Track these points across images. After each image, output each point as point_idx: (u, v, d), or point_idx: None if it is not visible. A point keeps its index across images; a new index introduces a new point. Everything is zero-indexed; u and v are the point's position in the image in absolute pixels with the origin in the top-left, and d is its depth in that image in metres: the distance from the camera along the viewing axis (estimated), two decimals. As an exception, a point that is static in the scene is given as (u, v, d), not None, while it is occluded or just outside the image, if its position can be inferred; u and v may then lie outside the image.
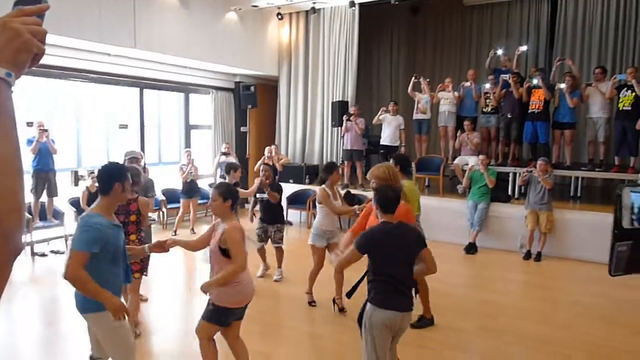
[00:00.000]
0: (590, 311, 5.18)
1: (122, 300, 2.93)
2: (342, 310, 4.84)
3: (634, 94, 7.27)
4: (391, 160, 4.54)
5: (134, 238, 4.08)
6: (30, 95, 8.02)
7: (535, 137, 8.13)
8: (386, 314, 2.80)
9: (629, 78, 7.35)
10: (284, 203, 9.22)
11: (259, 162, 8.81)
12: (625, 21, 9.67)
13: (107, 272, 2.68)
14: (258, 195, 5.95)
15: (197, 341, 3.25)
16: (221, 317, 3.15)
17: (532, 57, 10.70)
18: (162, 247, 3.00)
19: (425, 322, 4.60)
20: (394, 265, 2.84)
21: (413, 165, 8.97)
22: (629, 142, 7.48)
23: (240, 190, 5.83)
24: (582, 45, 10.13)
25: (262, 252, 6.02)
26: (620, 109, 7.47)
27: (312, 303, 5.08)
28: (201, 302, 3.58)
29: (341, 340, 4.31)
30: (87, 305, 2.70)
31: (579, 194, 8.48)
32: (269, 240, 5.92)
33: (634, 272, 0.69)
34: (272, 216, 5.93)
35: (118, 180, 2.75)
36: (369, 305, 2.88)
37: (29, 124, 7.40)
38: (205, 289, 3.09)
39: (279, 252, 5.96)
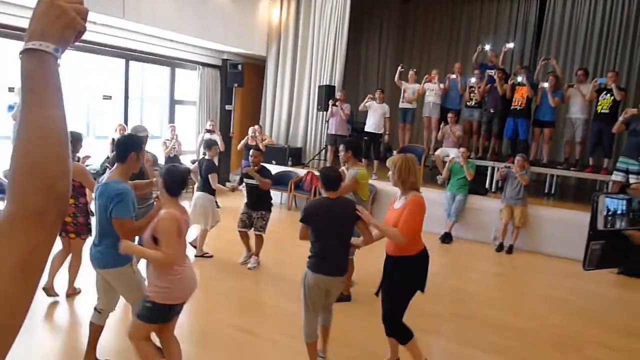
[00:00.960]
0: (558, 304, 5.42)
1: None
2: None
3: (612, 97, 7.51)
4: (341, 146, 4.72)
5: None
6: (12, 61, 7.83)
7: (516, 134, 8.33)
8: (316, 277, 3.21)
9: (609, 82, 7.58)
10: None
11: (242, 142, 8.83)
12: (610, 26, 9.94)
13: None
14: (246, 180, 5.73)
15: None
16: (162, 315, 2.88)
17: (518, 54, 10.90)
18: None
19: (341, 297, 4.58)
20: (328, 235, 3.22)
21: (395, 153, 9.13)
22: (604, 144, 7.73)
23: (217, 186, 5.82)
24: (567, 46, 10.37)
25: (244, 237, 5.85)
26: (599, 111, 7.71)
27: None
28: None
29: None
30: (108, 261, 3.05)
31: (553, 191, 8.76)
32: (252, 226, 5.76)
33: (604, 267, 0.79)
34: (257, 202, 5.75)
35: (134, 150, 3.05)
36: (306, 268, 3.30)
37: (10, 89, 7.27)
38: (122, 250, 2.82)
39: (259, 240, 5.76)
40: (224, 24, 9.53)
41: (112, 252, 2.96)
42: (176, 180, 2.91)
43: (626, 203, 0.79)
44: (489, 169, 8.50)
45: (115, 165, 3.11)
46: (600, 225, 0.78)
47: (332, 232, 3.24)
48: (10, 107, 7.03)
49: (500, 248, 7.40)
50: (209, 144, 6.09)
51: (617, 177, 7.03)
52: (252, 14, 10.32)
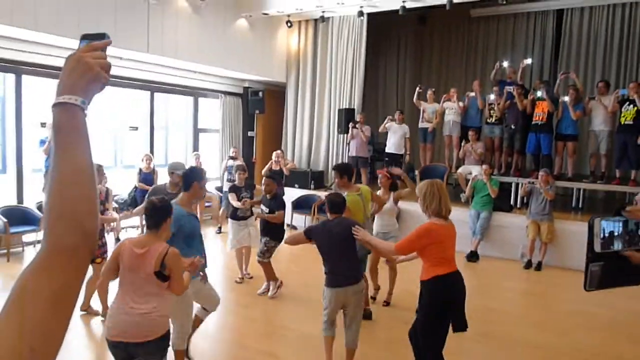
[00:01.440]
0: (589, 320, 5.29)
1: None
2: None
3: (635, 108, 7.40)
4: (334, 173, 4.90)
5: None
6: (44, 96, 8.21)
7: (538, 149, 8.26)
8: (330, 291, 3.61)
9: (631, 93, 7.48)
10: (288, 208, 9.41)
11: (266, 167, 8.97)
12: (630, 36, 9.83)
13: (180, 250, 3.02)
14: (262, 207, 5.65)
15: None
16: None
17: (537, 69, 10.85)
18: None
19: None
20: (331, 253, 3.64)
21: (417, 173, 9.15)
22: (630, 156, 7.60)
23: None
24: (587, 59, 10.29)
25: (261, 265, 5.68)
26: (622, 123, 7.60)
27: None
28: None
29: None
30: None
31: (580, 205, 8.59)
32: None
33: (605, 287, 0.81)
34: (265, 229, 5.58)
35: (196, 180, 3.60)
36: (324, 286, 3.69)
37: (43, 125, 7.58)
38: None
39: (262, 266, 5.56)
40: (244, 52, 9.80)
41: None
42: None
43: (622, 225, 0.81)
44: (513, 185, 8.42)
45: (181, 193, 3.65)
46: (597, 248, 0.80)
47: (333, 249, 3.65)
48: (42, 142, 7.33)
49: (528, 265, 7.27)
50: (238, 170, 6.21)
51: (645, 189, 6.88)
52: (270, 41, 10.59)
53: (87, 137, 0.85)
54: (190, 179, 3.61)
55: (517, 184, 8.33)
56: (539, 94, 8.11)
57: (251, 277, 6.21)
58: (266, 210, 5.53)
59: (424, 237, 3.18)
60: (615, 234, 0.93)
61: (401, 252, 3.40)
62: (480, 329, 4.97)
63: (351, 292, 3.60)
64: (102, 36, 0.92)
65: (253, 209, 6.02)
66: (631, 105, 7.49)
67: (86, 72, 0.86)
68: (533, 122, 8.19)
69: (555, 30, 10.76)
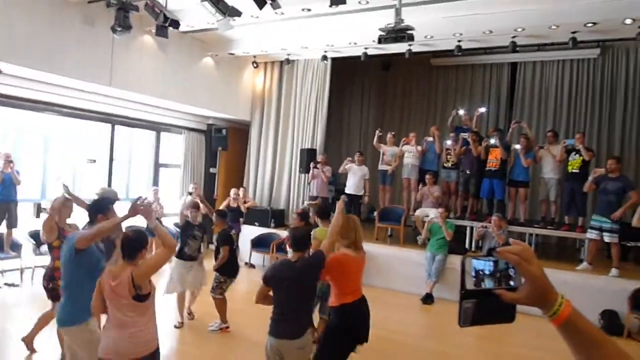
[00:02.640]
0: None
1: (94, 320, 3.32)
2: None
3: (581, 158, 7.78)
4: (310, 211, 5.15)
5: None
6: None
7: (492, 193, 8.52)
8: (273, 341, 3.23)
9: (577, 143, 7.88)
10: (247, 246, 9.32)
11: (224, 203, 8.92)
12: (578, 89, 10.47)
13: (83, 287, 3.12)
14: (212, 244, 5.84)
15: None
16: None
17: (494, 117, 11.34)
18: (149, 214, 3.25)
19: None
20: (283, 297, 3.28)
21: (375, 214, 9.26)
22: (577, 203, 7.92)
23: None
24: (539, 109, 10.84)
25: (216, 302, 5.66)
26: (569, 171, 7.95)
27: None
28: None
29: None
30: (66, 319, 3.15)
31: (534, 250, 8.80)
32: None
33: (478, 324, 0.85)
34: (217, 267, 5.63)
35: (100, 212, 3.46)
36: (267, 334, 3.32)
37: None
38: None
39: (215, 302, 5.57)
40: (209, 90, 9.89)
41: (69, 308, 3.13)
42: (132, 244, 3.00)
43: (493, 264, 0.86)
44: (468, 228, 8.61)
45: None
46: (469, 285, 0.84)
47: (293, 292, 3.29)
48: None
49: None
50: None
51: (591, 235, 7.16)
52: (236, 80, 10.74)
53: None
54: (95, 211, 3.50)
55: (472, 227, 8.52)
56: (492, 141, 8.44)
57: (192, 318, 5.93)
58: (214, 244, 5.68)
59: (334, 269, 3.41)
60: (487, 272, 0.97)
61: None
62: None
63: (295, 347, 3.23)
64: None
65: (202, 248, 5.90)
66: (577, 155, 7.86)
67: None
68: (487, 168, 8.48)
69: (509, 81, 11.34)
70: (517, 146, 8.36)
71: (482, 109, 9.69)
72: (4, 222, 7.22)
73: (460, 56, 8.86)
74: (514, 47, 7.90)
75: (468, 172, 8.83)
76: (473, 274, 0.97)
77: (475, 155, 8.63)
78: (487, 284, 0.97)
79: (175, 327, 5.69)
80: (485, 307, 0.98)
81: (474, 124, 9.26)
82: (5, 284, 7.00)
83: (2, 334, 5.42)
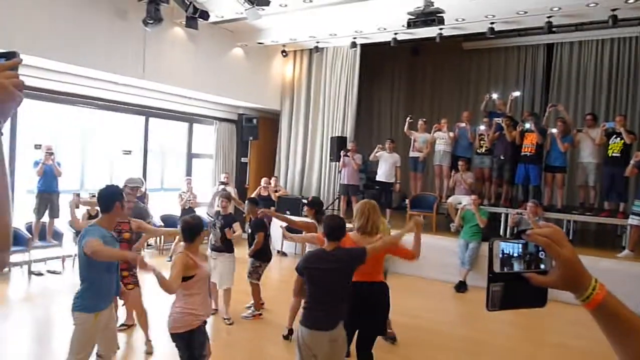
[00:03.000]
0: (573, 353, 5.23)
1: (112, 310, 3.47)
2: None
3: (622, 141, 7.49)
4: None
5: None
6: (39, 119, 8.31)
7: (527, 179, 8.31)
8: (307, 332, 3.12)
9: (617, 126, 7.58)
10: (278, 234, 9.39)
11: (255, 192, 9.02)
12: (618, 70, 10.03)
13: (101, 277, 3.25)
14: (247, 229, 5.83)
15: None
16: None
17: (529, 101, 11.02)
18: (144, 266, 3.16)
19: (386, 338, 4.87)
20: (318, 287, 3.20)
21: (407, 202, 9.18)
22: (618, 188, 7.64)
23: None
24: (577, 92, 10.46)
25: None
26: (610, 155, 7.68)
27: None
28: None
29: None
30: (79, 304, 3.23)
31: (571, 237, 8.58)
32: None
33: (506, 308, 0.83)
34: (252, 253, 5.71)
35: (118, 200, 3.36)
36: (299, 324, 3.25)
37: (37, 147, 7.66)
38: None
39: (251, 287, 5.68)
40: (239, 80, 9.97)
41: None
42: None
43: (522, 247, 0.83)
44: (502, 215, 8.43)
45: (100, 215, 3.42)
46: (497, 268, 0.82)
47: (329, 283, 3.19)
48: (36, 163, 7.39)
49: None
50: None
51: (633, 221, 6.91)
52: (265, 70, 10.78)
53: (2, 158, 0.87)
54: (111, 198, 3.37)
55: (506, 215, 8.34)
56: (527, 125, 8.21)
57: (231, 323, 5.58)
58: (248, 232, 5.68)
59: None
60: (515, 255, 0.94)
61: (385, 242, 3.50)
62: (462, 360, 4.93)
63: (327, 339, 3.13)
64: (12, 55, 0.91)
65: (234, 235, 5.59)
66: (618, 138, 7.58)
67: (0, 93, 0.86)
68: (522, 154, 8.26)
69: (545, 63, 10.97)
70: (554, 130, 8.12)
71: (516, 93, 9.45)
72: (47, 213, 7.50)
73: (493, 39, 8.64)
74: (549, 28, 7.63)
75: (502, 157, 8.63)
76: (501, 256, 0.94)
77: (510, 140, 8.42)
78: (516, 267, 0.95)
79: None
80: (514, 291, 0.95)
81: (508, 108, 9.03)
82: (48, 271, 7.31)
83: (48, 318, 5.67)
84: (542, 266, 0.95)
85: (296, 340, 3.25)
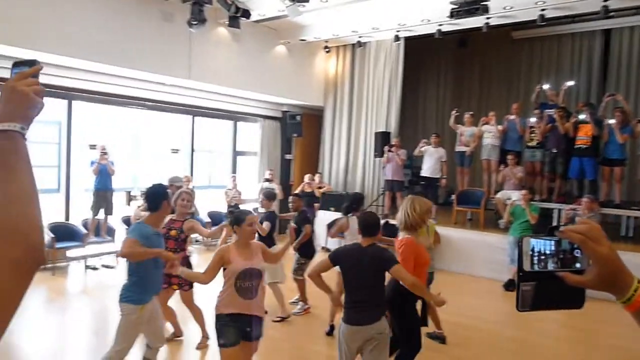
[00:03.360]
0: (628, 356, 4.94)
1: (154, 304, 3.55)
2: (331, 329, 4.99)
3: (687, 131, 6.98)
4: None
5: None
6: (93, 121, 8.73)
7: (582, 173, 7.91)
8: (346, 328, 3.15)
9: (682, 115, 7.07)
10: (322, 230, 9.42)
11: (299, 188, 9.07)
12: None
13: (148, 272, 3.38)
14: (292, 223, 5.88)
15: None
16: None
17: (584, 91, 10.48)
18: (173, 266, 3.26)
19: (436, 337, 4.95)
20: (353, 283, 3.20)
21: (453, 197, 8.96)
22: (683, 182, 7.13)
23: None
24: (638, 80, 9.83)
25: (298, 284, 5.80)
26: (674, 146, 7.18)
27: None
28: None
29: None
30: (126, 296, 3.38)
31: (630, 234, 8.11)
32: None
33: (538, 309, 0.76)
34: (298, 247, 5.70)
35: (165, 199, 3.46)
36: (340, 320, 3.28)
37: (92, 147, 8.03)
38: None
39: (296, 283, 5.71)
40: (282, 78, 10.04)
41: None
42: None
43: (555, 244, 0.76)
44: (555, 211, 8.06)
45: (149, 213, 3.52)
46: (527, 267, 0.76)
47: (360, 279, 3.20)
48: (92, 163, 7.75)
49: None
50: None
51: (700, 217, 6.43)
52: (308, 66, 10.80)
53: (29, 160, 0.91)
54: (159, 197, 3.45)
55: (559, 210, 7.97)
56: (581, 116, 7.81)
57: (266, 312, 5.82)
58: (294, 226, 5.68)
59: (412, 252, 3.42)
60: (548, 253, 0.88)
61: (414, 279, 3.20)
62: (509, 361, 4.75)
63: (371, 333, 3.12)
64: (32, 63, 0.95)
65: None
66: (683, 129, 7.07)
67: (22, 100, 0.90)
68: (576, 146, 7.87)
69: (602, 50, 10.37)
70: (612, 121, 7.67)
71: (570, 83, 9.00)
72: (102, 210, 7.85)
73: (544, 26, 8.24)
74: (606, 12, 7.19)
75: (554, 151, 8.25)
76: (531, 254, 0.88)
77: (563, 132, 8.03)
78: (549, 265, 0.88)
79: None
80: (546, 291, 0.89)
81: (561, 99, 8.62)
82: (103, 265, 7.65)
83: (103, 311, 5.93)
84: (578, 265, 0.89)
85: (337, 336, 3.28)
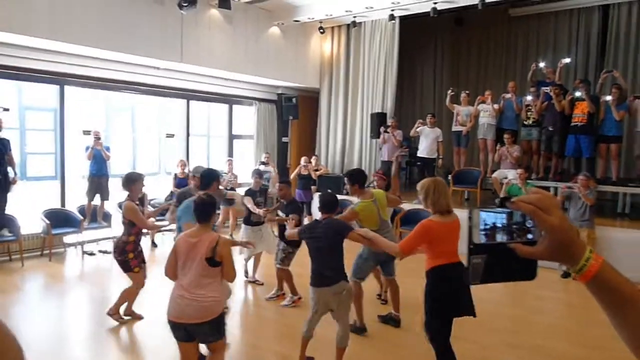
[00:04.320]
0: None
1: None
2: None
3: (685, 107, 6.93)
4: (346, 179, 4.79)
5: None
6: (87, 106, 8.66)
7: (579, 151, 7.88)
8: (314, 291, 3.71)
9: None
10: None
11: (295, 172, 9.04)
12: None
13: None
14: (279, 213, 5.65)
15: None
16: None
17: (582, 68, 10.38)
18: None
19: (390, 319, 4.89)
20: (315, 252, 3.73)
21: (450, 177, 8.94)
22: (679, 158, 7.11)
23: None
24: (636, 56, 9.73)
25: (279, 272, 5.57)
26: (670, 122, 7.14)
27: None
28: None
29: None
30: None
31: (626, 211, 8.11)
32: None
33: (490, 281, 0.75)
34: (281, 235, 5.45)
35: (215, 180, 4.25)
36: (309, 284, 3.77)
37: (86, 132, 7.97)
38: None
39: (280, 272, 5.46)
40: (277, 59, 9.94)
41: None
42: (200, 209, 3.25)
43: (506, 216, 0.75)
44: (551, 189, 8.05)
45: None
46: (476, 239, 0.75)
47: (318, 250, 3.71)
48: (86, 148, 7.70)
49: (567, 274, 6.91)
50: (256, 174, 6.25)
51: (696, 193, 6.42)
52: (303, 48, 10.68)
53: None
54: (211, 178, 4.20)
55: (555, 189, 7.97)
56: (577, 94, 7.75)
57: (262, 284, 6.06)
58: (282, 215, 5.45)
59: (424, 235, 3.28)
60: (499, 225, 0.86)
61: (405, 251, 3.22)
62: (505, 339, 4.78)
63: (331, 293, 3.67)
64: None
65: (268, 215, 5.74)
66: (680, 105, 7.02)
67: None
68: (572, 124, 7.82)
69: (600, 26, 10.24)
70: (608, 98, 7.61)
71: (567, 60, 8.91)
72: (98, 195, 7.83)
73: (541, 3, 8.12)
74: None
75: (551, 129, 8.20)
76: (482, 227, 0.86)
77: (559, 110, 7.98)
78: (500, 237, 0.86)
79: (247, 280, 6.15)
80: (497, 263, 0.87)
81: (557, 76, 8.54)
82: (100, 251, 7.67)
83: (101, 295, 5.96)
84: (530, 236, 0.87)
85: (311, 298, 3.78)
